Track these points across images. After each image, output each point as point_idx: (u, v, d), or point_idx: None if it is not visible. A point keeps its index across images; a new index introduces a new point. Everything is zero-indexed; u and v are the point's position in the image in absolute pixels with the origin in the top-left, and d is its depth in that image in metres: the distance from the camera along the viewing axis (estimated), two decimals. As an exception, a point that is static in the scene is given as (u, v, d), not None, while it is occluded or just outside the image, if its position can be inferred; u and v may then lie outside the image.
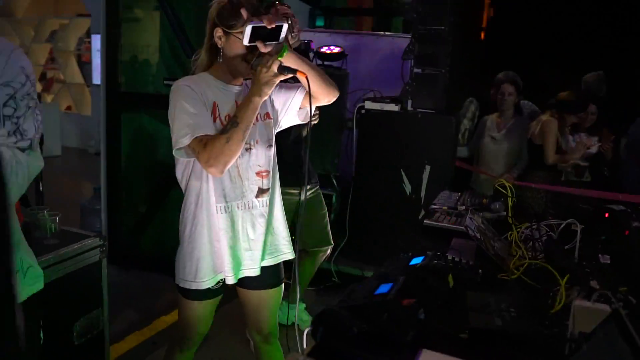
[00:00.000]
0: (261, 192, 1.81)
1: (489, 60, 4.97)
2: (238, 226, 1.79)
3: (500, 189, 2.15)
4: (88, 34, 9.15)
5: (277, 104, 1.87)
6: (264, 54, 1.63)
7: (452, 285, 1.39)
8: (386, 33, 5.01)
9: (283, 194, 1.96)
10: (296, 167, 2.75)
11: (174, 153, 1.69)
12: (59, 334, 2.15)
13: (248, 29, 1.59)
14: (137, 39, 3.98)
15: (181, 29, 3.64)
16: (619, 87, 4.58)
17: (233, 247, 1.79)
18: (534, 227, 1.84)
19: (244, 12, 1.63)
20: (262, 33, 1.60)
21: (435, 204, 2.38)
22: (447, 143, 3.65)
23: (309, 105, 1.75)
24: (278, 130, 1.91)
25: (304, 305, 3.23)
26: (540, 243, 1.75)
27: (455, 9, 3.50)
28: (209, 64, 1.79)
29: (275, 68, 1.61)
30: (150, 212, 3.99)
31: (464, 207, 2.28)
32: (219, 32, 1.69)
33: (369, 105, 3.78)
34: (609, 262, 1.68)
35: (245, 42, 1.61)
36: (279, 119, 1.89)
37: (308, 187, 2.79)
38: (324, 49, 4.09)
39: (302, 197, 2.66)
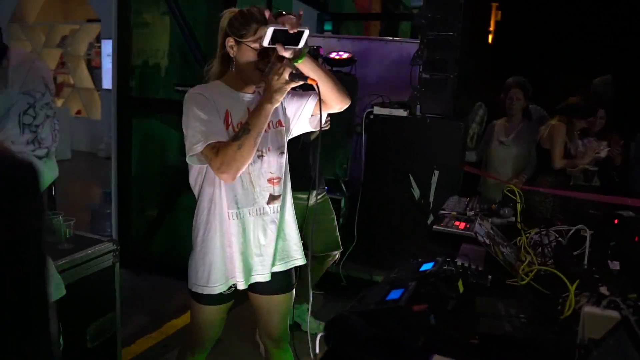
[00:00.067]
0: (272, 198, 1.83)
1: (497, 65, 4.97)
2: (249, 232, 1.80)
3: (509, 194, 2.16)
4: (98, 39, 9.24)
5: (289, 111, 1.89)
6: (276, 61, 1.64)
7: (462, 291, 1.40)
8: (394, 38, 5.01)
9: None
10: (304, 172, 2.76)
11: (187, 160, 1.71)
12: (72, 337, 2.18)
13: (270, 31, 1.57)
14: (148, 44, 4.01)
15: (191, 34, 3.68)
16: (628, 91, 4.57)
17: (244, 252, 1.81)
18: (543, 232, 1.84)
19: (267, 13, 1.64)
20: (282, 37, 1.59)
21: (444, 209, 2.39)
22: (455, 148, 3.65)
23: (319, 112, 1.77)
24: (290, 137, 1.93)
25: (307, 306, 3.24)
26: (549, 249, 1.75)
27: (464, 15, 3.51)
28: (221, 73, 1.81)
29: (286, 75, 1.61)
30: (161, 216, 4.01)
31: (472, 213, 2.28)
32: (230, 41, 1.71)
33: (377, 110, 3.78)
34: (618, 268, 1.68)
35: (265, 43, 1.59)
36: (291, 126, 1.90)
37: (315, 193, 2.80)
38: (333, 55, 4.10)
39: (311, 203, 2.67)
